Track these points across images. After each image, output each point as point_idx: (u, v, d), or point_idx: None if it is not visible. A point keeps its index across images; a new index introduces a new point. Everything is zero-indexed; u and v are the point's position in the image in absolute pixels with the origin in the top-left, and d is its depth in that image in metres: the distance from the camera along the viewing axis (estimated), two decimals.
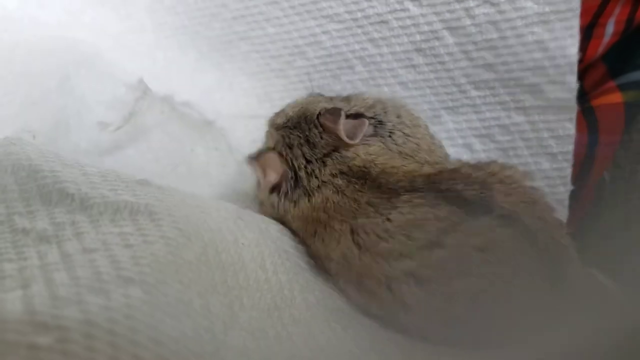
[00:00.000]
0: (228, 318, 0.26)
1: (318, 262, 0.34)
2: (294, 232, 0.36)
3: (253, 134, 0.43)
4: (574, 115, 0.40)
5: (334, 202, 0.34)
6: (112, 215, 0.30)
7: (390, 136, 0.36)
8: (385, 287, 0.30)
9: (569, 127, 0.40)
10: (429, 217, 0.30)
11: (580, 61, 0.41)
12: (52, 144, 0.37)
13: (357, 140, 0.35)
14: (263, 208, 0.38)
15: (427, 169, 0.34)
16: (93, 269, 0.25)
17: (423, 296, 0.29)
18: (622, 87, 0.44)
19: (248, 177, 0.40)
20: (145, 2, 0.49)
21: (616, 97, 0.44)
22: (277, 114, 0.40)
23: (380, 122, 0.36)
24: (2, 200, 0.31)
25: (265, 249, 0.32)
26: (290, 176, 0.36)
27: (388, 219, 0.31)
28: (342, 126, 0.35)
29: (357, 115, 0.36)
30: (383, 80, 0.44)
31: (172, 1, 0.48)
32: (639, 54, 0.45)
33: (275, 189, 0.36)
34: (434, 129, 0.43)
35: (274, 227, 0.35)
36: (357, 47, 0.44)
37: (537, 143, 0.41)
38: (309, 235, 0.34)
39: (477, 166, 0.33)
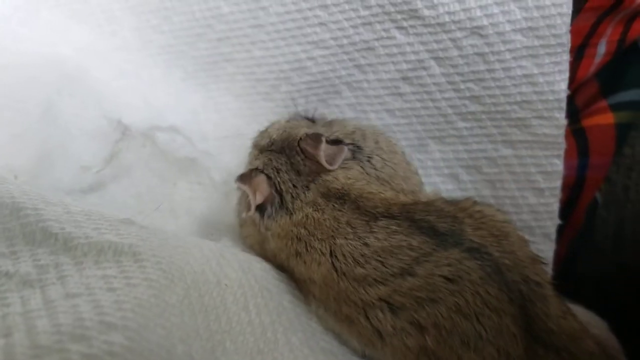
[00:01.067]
0: None
1: (301, 285, 0.36)
2: (276, 264, 0.37)
3: (240, 155, 0.44)
4: (562, 152, 0.40)
5: (314, 219, 0.35)
6: (96, 257, 0.30)
7: (368, 161, 0.38)
8: (362, 313, 0.32)
9: (557, 164, 0.41)
10: (402, 245, 0.32)
11: (571, 81, 0.42)
12: (34, 181, 0.38)
13: (336, 166, 0.37)
14: (244, 229, 0.40)
15: (403, 198, 0.35)
16: (75, 315, 0.26)
17: (396, 323, 0.31)
18: (613, 108, 0.45)
19: (232, 210, 0.41)
20: (130, 21, 0.50)
21: (608, 118, 0.45)
22: (261, 135, 0.42)
23: (359, 148, 0.39)
24: None
25: (249, 289, 0.33)
26: (276, 200, 0.37)
27: (365, 244, 0.33)
28: (323, 152, 0.37)
29: (336, 142, 0.38)
30: (370, 107, 0.45)
31: (157, 20, 0.48)
32: (630, 72, 0.46)
33: (258, 208, 0.38)
34: (420, 157, 0.44)
35: (257, 266, 0.36)
36: (343, 72, 0.45)
37: (524, 177, 0.42)
38: (291, 257, 0.36)
39: (450, 201, 0.35)
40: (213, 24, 0.47)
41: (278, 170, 0.38)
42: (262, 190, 0.38)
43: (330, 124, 0.42)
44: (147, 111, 0.48)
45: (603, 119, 0.44)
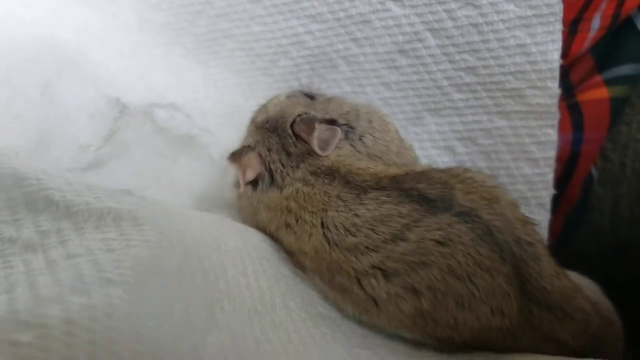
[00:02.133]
0: (208, 320, 0.29)
1: (293, 258, 0.38)
2: (271, 236, 0.39)
3: (239, 132, 0.45)
4: (556, 121, 0.42)
5: (304, 193, 0.37)
6: (97, 222, 0.32)
7: (360, 139, 0.40)
8: (355, 282, 0.34)
9: (551, 133, 0.42)
10: (393, 214, 0.33)
11: (566, 56, 0.43)
12: (35, 160, 0.40)
13: (329, 152, 0.39)
14: (240, 202, 0.42)
15: (393, 170, 0.37)
16: (76, 272, 0.27)
17: (390, 289, 0.33)
18: (608, 82, 0.46)
19: (230, 186, 0.42)
20: (129, 0, 0.51)
21: (602, 93, 0.46)
22: (259, 110, 0.43)
23: (352, 128, 0.40)
24: None
25: (247, 256, 0.34)
26: (266, 177, 0.39)
27: (356, 214, 0.34)
28: (316, 139, 0.39)
29: (330, 121, 0.40)
30: (366, 80, 0.47)
31: None
32: (625, 47, 0.47)
33: (251, 183, 0.40)
34: (416, 130, 0.46)
35: (256, 236, 0.38)
36: (340, 46, 0.46)
37: (519, 148, 0.43)
38: (280, 228, 0.38)
39: (441, 169, 0.37)
40: (212, 0, 0.48)
41: (269, 149, 0.40)
42: (253, 166, 0.40)
43: (328, 101, 0.43)
44: (147, 91, 0.49)
45: (597, 93, 0.45)
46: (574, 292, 0.34)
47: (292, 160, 0.39)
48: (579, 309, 0.34)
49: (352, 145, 0.39)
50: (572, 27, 0.43)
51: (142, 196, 0.36)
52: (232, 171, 0.43)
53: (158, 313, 0.27)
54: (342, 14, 0.45)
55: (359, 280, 0.34)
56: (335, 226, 0.34)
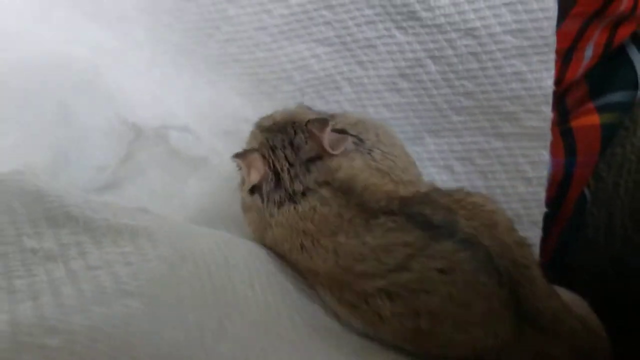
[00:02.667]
0: (218, 330, 0.31)
1: (304, 274, 0.39)
2: (275, 252, 0.40)
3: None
4: (548, 143, 0.45)
5: (321, 214, 0.38)
6: (114, 237, 0.35)
7: (369, 153, 0.41)
8: (363, 301, 0.36)
9: (544, 154, 0.45)
10: (397, 243, 0.35)
11: (560, 82, 0.46)
12: (52, 179, 0.42)
13: (337, 152, 0.40)
14: (248, 215, 0.43)
15: (402, 191, 0.39)
16: (96, 284, 0.30)
17: (394, 309, 0.35)
18: (599, 109, 0.50)
19: (238, 204, 0.45)
20: (142, 20, 0.54)
21: (594, 119, 0.49)
22: (265, 117, 0.45)
23: (361, 140, 0.42)
24: (11, 222, 0.35)
25: (254, 270, 0.37)
26: (270, 178, 0.40)
27: (363, 242, 0.36)
28: (327, 135, 0.39)
29: (340, 131, 0.41)
30: (369, 102, 0.49)
31: (169, 19, 0.53)
32: (616, 75, 0.50)
33: (256, 189, 0.41)
34: (416, 149, 0.49)
35: (262, 251, 0.40)
36: (345, 69, 0.49)
37: (513, 168, 0.46)
38: (294, 249, 0.39)
39: (444, 193, 0.38)
40: (221, 25, 0.51)
41: (273, 149, 0.40)
42: (257, 167, 0.40)
43: (332, 116, 0.44)
44: (158, 109, 0.52)
45: (589, 120, 0.49)
46: (564, 312, 0.37)
47: (301, 156, 0.39)
48: (570, 328, 0.36)
49: (362, 158, 0.40)
50: (567, 55, 0.46)
51: (156, 214, 0.39)
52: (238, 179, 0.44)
53: (172, 322, 0.30)
54: (348, 38, 0.48)
55: (366, 299, 0.36)
56: (345, 253, 0.36)
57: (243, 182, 0.42)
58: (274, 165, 0.40)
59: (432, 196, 0.38)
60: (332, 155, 0.39)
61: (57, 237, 0.34)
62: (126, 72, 0.54)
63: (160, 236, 0.35)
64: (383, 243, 0.35)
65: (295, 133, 0.41)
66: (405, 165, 0.43)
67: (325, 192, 0.38)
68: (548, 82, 0.43)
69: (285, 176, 0.39)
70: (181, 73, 0.54)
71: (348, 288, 0.36)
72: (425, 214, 0.36)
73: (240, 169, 0.42)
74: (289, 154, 0.40)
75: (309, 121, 0.40)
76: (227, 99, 0.53)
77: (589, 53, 0.47)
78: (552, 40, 0.42)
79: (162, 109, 0.51)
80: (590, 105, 0.49)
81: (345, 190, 0.38)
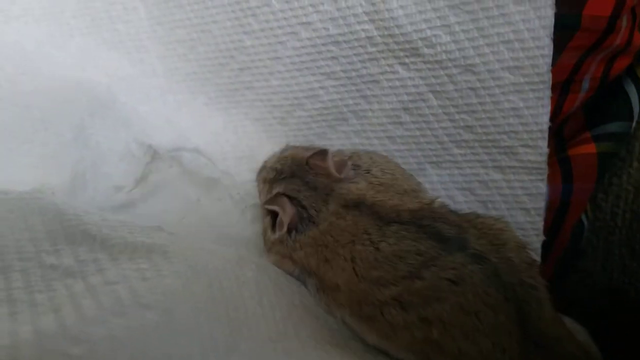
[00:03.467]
0: (230, 343, 0.34)
1: (328, 294, 0.42)
2: (310, 274, 0.44)
3: (254, 174, 0.52)
4: (545, 176, 0.48)
5: (337, 226, 0.42)
6: (131, 254, 0.37)
7: (368, 172, 0.46)
8: (379, 311, 0.39)
9: (541, 187, 0.48)
10: (411, 250, 0.39)
11: (557, 113, 0.50)
12: (69, 199, 0.46)
13: (342, 175, 0.45)
14: (275, 249, 0.46)
15: (409, 204, 0.43)
16: (115, 297, 0.32)
17: (407, 318, 0.38)
18: (596, 139, 0.53)
19: (247, 224, 0.48)
20: (158, 49, 0.58)
21: (590, 148, 0.53)
22: (264, 170, 0.50)
23: (357, 166, 0.47)
24: (30, 240, 0.38)
25: (263, 287, 0.40)
26: (303, 215, 0.44)
27: (378, 249, 0.40)
28: (331, 163, 0.45)
29: (322, 150, 0.46)
30: (373, 134, 0.53)
31: (184, 49, 0.57)
32: (612, 106, 0.54)
33: (288, 229, 0.45)
34: (419, 180, 0.52)
35: (272, 269, 0.43)
36: (351, 102, 0.53)
37: (512, 199, 0.49)
38: (320, 263, 0.43)
39: (455, 213, 0.42)
40: (235, 55, 0.55)
41: (298, 191, 0.45)
42: (287, 210, 0.45)
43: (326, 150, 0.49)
44: (172, 133, 0.56)
45: (586, 148, 0.52)
46: (568, 338, 0.39)
47: (320, 193, 0.44)
48: (571, 354, 0.39)
49: (364, 178, 0.45)
50: (564, 87, 0.50)
51: (170, 232, 0.42)
52: (257, 219, 0.49)
53: (187, 334, 0.33)
54: (353, 74, 0.52)
55: (381, 310, 0.39)
56: (362, 260, 0.40)
57: (271, 226, 0.47)
58: (302, 203, 0.45)
59: (441, 212, 0.42)
60: (340, 181, 0.45)
61: (75, 254, 0.37)
62: (140, 97, 0.58)
63: (175, 253, 0.38)
64: (397, 250, 0.39)
65: (305, 174, 0.46)
66: (405, 176, 0.47)
67: (340, 210, 0.43)
68: (544, 118, 0.46)
69: (312, 212, 0.44)
70: (195, 99, 0.58)
71: (365, 300, 0.40)
72: (436, 227, 0.40)
73: (265, 218, 0.47)
74: (312, 193, 0.45)
75: (310, 157, 0.46)
76: (239, 124, 0.57)
77: (585, 85, 0.50)
78: (548, 77, 0.45)
79: (176, 133, 0.55)
80: (587, 134, 0.53)
81: (357, 205, 0.43)
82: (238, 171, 0.54)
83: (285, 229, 0.44)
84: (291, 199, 0.45)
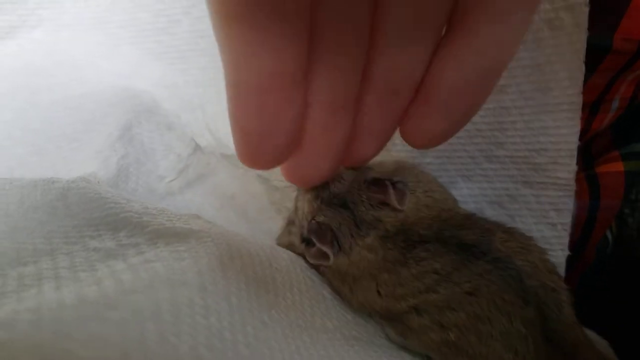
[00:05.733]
0: (258, 323, 0.37)
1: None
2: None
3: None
4: (572, 192, 0.52)
5: (367, 259, 0.45)
6: (169, 239, 0.41)
7: (413, 193, 0.48)
8: (399, 318, 0.44)
9: (568, 203, 0.52)
10: (427, 270, 0.42)
11: (586, 132, 0.54)
12: (114, 188, 0.51)
13: (404, 207, 0.46)
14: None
15: (443, 215, 0.46)
16: (154, 273, 0.36)
17: (422, 323, 0.42)
18: (624, 157, 0.58)
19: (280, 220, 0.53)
20: (198, 60, 0.65)
21: (618, 166, 0.58)
22: (320, 188, 0.50)
23: (405, 184, 0.48)
24: (75, 226, 0.43)
25: (295, 276, 0.44)
26: (336, 246, 0.46)
27: (399, 274, 0.44)
28: (392, 196, 0.46)
29: (380, 180, 0.47)
30: (402, 147, 0.57)
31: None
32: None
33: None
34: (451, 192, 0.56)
35: (303, 261, 0.47)
36: None
37: (540, 214, 0.54)
38: (343, 285, 0.47)
39: (487, 219, 0.46)
40: None
41: (340, 224, 0.47)
42: (328, 246, 0.46)
43: (369, 167, 0.50)
44: (211, 140, 0.61)
45: (614, 166, 0.57)
46: (586, 344, 0.43)
47: (363, 229, 0.46)
48: None
49: (410, 202, 0.47)
50: (594, 107, 0.55)
51: (207, 220, 0.46)
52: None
53: (218, 311, 0.35)
54: None
55: (400, 317, 0.44)
56: (386, 284, 0.44)
57: (300, 242, 0.49)
58: (340, 240, 0.46)
59: (474, 218, 0.46)
60: (398, 210, 0.46)
61: (117, 239, 0.41)
62: (182, 105, 0.64)
63: (211, 238, 0.41)
64: (415, 272, 0.43)
65: (356, 205, 0.47)
66: (443, 196, 0.50)
67: (376, 242, 0.45)
68: (573, 137, 0.51)
69: (346, 246, 0.46)
70: None
71: (385, 310, 0.44)
72: (458, 236, 0.43)
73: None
74: (350, 229, 0.46)
75: (365, 187, 0.47)
76: None
77: (615, 105, 0.55)
78: (579, 99, 0.50)
79: (215, 140, 0.60)
80: (615, 152, 0.58)
81: (395, 235, 0.45)
82: (272, 173, 0.59)
83: (332, 260, 0.46)
84: (332, 231, 0.47)
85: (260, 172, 0.59)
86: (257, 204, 0.58)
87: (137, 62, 0.67)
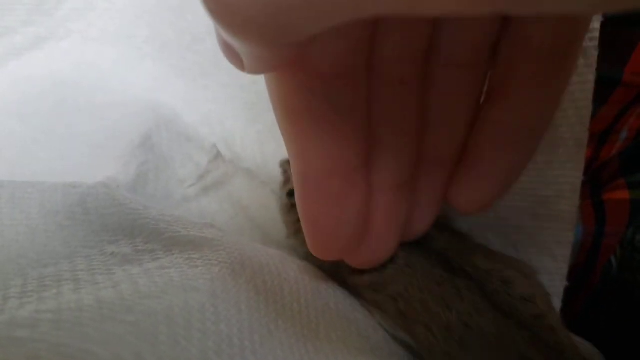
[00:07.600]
0: (265, 331, 0.40)
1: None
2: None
3: None
4: (574, 225, 0.55)
5: None
6: (183, 247, 0.45)
7: None
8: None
9: (569, 235, 0.55)
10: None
11: (594, 161, 0.57)
12: (132, 193, 0.55)
13: None
14: None
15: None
16: (168, 278, 0.39)
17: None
18: (630, 185, 0.61)
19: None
20: (221, 78, 0.69)
21: (624, 194, 0.60)
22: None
23: None
24: (93, 231, 0.46)
25: (302, 286, 0.46)
26: None
27: None
28: None
29: None
30: None
31: (247, 81, 0.67)
32: None
33: None
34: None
35: (313, 272, 0.50)
36: None
37: (542, 245, 0.56)
38: None
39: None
40: None
41: None
42: None
43: None
44: (229, 154, 0.65)
45: (620, 194, 0.60)
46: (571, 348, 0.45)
47: None
48: None
49: None
50: (602, 137, 0.58)
51: (220, 228, 0.50)
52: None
53: (228, 318, 0.38)
54: None
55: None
56: None
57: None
58: None
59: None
60: None
61: (134, 245, 0.44)
62: (202, 120, 0.68)
63: (224, 247, 0.45)
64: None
65: None
66: None
67: None
68: (578, 172, 0.53)
69: None
70: (251, 127, 0.68)
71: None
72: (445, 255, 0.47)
73: None
74: None
75: None
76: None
77: (623, 135, 0.58)
78: (584, 135, 0.52)
79: (233, 155, 0.65)
80: (622, 181, 0.61)
81: None
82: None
83: None
84: None
85: (275, 187, 0.62)
86: (270, 216, 0.61)
87: (160, 76, 0.71)
